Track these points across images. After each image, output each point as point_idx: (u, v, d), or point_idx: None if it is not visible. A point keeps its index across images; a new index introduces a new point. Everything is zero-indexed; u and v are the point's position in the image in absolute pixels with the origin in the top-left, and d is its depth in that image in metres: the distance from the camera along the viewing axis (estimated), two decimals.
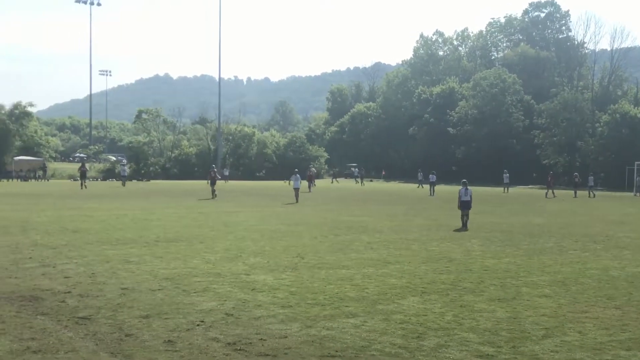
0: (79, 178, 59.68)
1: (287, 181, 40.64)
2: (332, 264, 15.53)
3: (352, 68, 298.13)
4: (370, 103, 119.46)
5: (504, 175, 61.25)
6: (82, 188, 53.05)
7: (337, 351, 8.55)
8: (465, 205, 25.25)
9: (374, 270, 14.87)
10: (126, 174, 66.63)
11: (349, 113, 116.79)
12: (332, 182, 76.51)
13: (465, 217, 25.08)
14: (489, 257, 17.36)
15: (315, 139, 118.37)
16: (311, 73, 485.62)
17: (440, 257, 17.14)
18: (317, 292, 12.16)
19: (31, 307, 10.59)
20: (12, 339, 8.73)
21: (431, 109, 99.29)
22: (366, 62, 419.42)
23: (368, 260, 16.38)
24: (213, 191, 42.60)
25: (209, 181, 44.19)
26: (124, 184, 60.33)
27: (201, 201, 38.25)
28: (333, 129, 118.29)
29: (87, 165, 67.50)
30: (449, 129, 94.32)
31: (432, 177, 54.10)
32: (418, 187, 67.68)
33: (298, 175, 41.14)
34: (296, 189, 40.03)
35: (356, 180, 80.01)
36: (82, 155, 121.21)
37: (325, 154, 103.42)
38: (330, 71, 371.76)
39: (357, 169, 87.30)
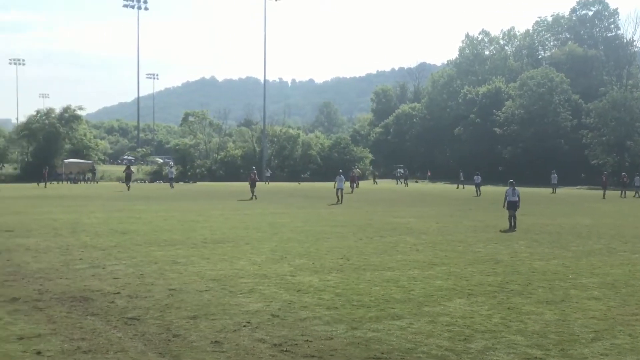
0: (124, 180, 61.07)
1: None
2: (378, 266, 15.50)
3: (396, 69, 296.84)
4: (415, 104, 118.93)
5: (552, 175, 60.40)
6: (127, 190, 54.30)
7: (382, 353, 8.53)
8: (512, 206, 25.01)
9: (419, 272, 14.80)
10: (173, 176, 67.55)
11: (393, 114, 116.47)
12: (374, 183, 76.11)
13: (512, 217, 24.81)
14: (536, 259, 17.14)
15: (360, 140, 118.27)
16: (356, 74, 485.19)
17: (487, 259, 16.98)
18: (363, 294, 12.15)
19: (81, 308, 10.79)
20: (63, 339, 8.91)
21: (477, 109, 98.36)
22: (411, 62, 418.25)
23: (414, 261, 16.30)
24: (253, 192, 43.17)
25: (249, 183, 44.87)
26: (172, 186, 61.13)
27: (245, 203, 38.49)
28: (378, 129, 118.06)
29: (132, 168, 68.75)
30: (495, 129, 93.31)
31: (477, 178, 53.69)
32: (457, 187, 67.15)
33: (342, 177, 41.30)
34: (339, 190, 40.17)
35: (397, 182, 79.37)
36: (130, 157, 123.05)
37: (370, 155, 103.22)
38: (375, 72, 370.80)
39: (401, 170, 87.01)
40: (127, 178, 59.44)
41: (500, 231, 23.81)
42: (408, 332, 9.55)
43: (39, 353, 8.26)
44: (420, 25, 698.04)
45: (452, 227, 25.32)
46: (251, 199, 41.64)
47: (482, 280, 13.80)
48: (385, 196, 49.28)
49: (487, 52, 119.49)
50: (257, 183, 44.92)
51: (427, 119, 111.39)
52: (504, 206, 25.47)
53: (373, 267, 15.26)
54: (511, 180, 27.01)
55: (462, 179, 68.99)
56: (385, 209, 34.84)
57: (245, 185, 50.56)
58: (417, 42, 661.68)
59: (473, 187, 53.84)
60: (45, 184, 63.43)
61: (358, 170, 72.47)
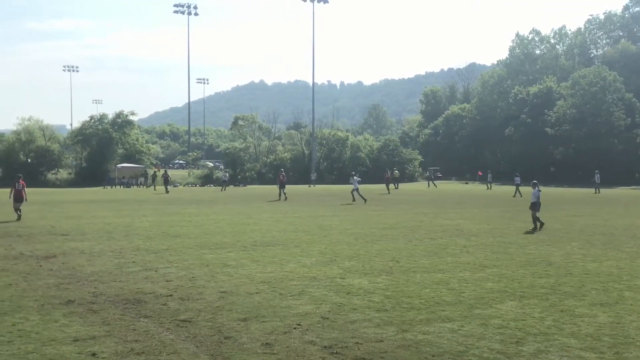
0: (163, 184, 62.78)
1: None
2: (428, 268, 15.41)
3: (446, 69, 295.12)
4: (465, 104, 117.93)
5: (596, 175, 59.38)
6: (166, 192, 55.95)
7: (433, 356, 8.47)
8: (532, 207, 25.09)
9: (470, 274, 14.67)
10: (227, 179, 68.45)
11: (443, 115, 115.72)
12: (428, 186, 75.29)
13: (533, 218, 24.79)
14: (590, 261, 16.83)
15: (409, 141, 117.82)
16: (404, 76, 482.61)
17: (539, 261, 16.74)
18: (413, 296, 12.10)
19: (135, 310, 10.96)
20: (117, 341, 9.07)
21: (528, 109, 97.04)
22: (460, 63, 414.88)
23: (464, 263, 16.16)
24: (283, 194, 45.02)
25: (279, 184, 46.73)
26: (224, 189, 61.90)
27: (292, 206, 38.61)
28: (427, 131, 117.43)
29: (169, 172, 70.93)
30: (547, 129, 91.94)
31: (517, 179, 53.35)
32: (487, 188, 66.23)
33: (356, 178, 44.18)
34: (355, 190, 42.10)
35: (428, 184, 78.25)
36: (180, 161, 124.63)
37: (419, 157, 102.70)
38: (424, 73, 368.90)
39: (435, 172, 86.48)
40: (166, 182, 61.77)
41: (525, 233, 23.49)
42: (459, 335, 9.47)
43: (93, 355, 8.41)
44: (470, 25, 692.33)
45: (503, 228, 25.02)
46: (279, 199, 43.58)
47: (534, 283, 13.61)
48: (435, 198, 48.93)
49: (537, 52, 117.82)
50: (301, 186, 45.90)
51: (477, 120, 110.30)
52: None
53: (423, 270, 15.18)
54: (534, 181, 26.79)
55: (490, 179, 68.61)
56: (434, 210, 34.61)
57: (293, 188, 50.82)
58: (467, 42, 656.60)
59: (503, 187, 53.56)
60: None
61: (397, 172, 72.05)
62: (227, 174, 73.77)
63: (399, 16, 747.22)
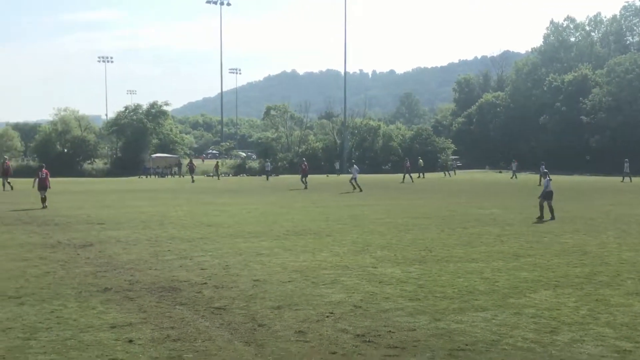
0: (188, 173, 63.51)
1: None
2: (461, 257, 15.37)
3: (479, 57, 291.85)
4: (499, 92, 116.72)
5: (625, 164, 58.44)
6: (192, 182, 56.50)
7: (466, 345, 8.48)
8: (544, 196, 24.73)
9: (504, 263, 14.60)
10: (270, 169, 68.84)
11: (476, 103, 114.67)
12: (444, 176, 74.04)
13: (540, 206, 24.51)
14: (625, 250, 16.65)
15: (442, 130, 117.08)
16: (437, 64, 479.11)
17: (573, 250, 16.60)
18: (446, 286, 12.09)
19: (170, 298, 11.12)
20: (154, 328, 9.21)
21: (563, 97, 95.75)
22: (494, 50, 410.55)
23: (498, 253, 16.09)
24: (305, 183, 46.14)
25: (301, 173, 47.87)
26: (267, 179, 62.30)
27: (323, 195, 38.65)
28: (460, 119, 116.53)
29: (195, 162, 71.78)
30: (582, 117, 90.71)
31: (542, 168, 52.99)
32: (512, 177, 65.26)
33: (355, 167, 45.47)
34: (353, 179, 43.13)
35: (445, 174, 76.88)
36: (213, 151, 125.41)
37: (452, 146, 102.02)
38: (457, 61, 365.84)
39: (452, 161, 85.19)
40: (191, 171, 62.42)
41: (534, 221, 23.27)
42: (492, 324, 9.45)
43: (130, 341, 8.56)
44: (504, 12, 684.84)
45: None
46: (305, 188, 44.46)
47: (568, 272, 13.51)
48: (468, 188, 48.66)
49: (572, 39, 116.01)
50: (330, 175, 46.18)
51: (511, 108, 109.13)
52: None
53: (456, 259, 15.15)
54: (545, 170, 26.61)
55: (515, 168, 67.68)
56: (468, 200, 34.44)
57: (323, 178, 50.94)
58: (501, 29, 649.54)
59: (528, 176, 53.03)
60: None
61: (421, 161, 71.55)
62: (270, 164, 74.10)
63: (433, 3, 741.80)
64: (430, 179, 63.24)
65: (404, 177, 57.98)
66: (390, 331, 9.08)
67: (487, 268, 13.94)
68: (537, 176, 50.69)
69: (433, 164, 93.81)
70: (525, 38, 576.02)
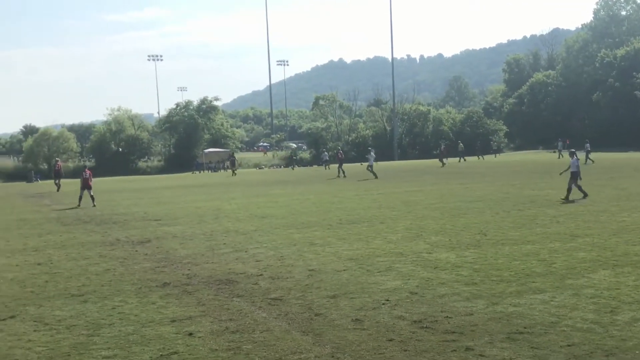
0: (229, 166, 64.03)
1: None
2: (517, 240, 15.21)
3: (528, 36, 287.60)
4: (550, 71, 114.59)
5: None
6: (233, 175, 57.06)
7: (525, 327, 8.41)
8: (571, 176, 24.12)
9: (560, 244, 14.40)
10: (328, 159, 68.88)
11: (527, 83, 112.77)
12: (459, 161, 67.95)
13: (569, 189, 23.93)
14: None
15: (493, 112, 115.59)
16: (485, 45, 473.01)
17: (632, 228, 16.27)
18: (502, 269, 11.99)
19: (227, 290, 11.27)
20: (212, 320, 9.36)
21: (616, 73, 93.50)
22: (543, 28, 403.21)
23: (554, 234, 15.87)
24: (341, 171, 46.64)
25: (338, 162, 48.51)
26: (327, 167, 62.52)
27: (374, 183, 38.56)
28: (511, 100, 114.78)
29: (235, 155, 72.19)
30: (637, 92, 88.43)
31: (587, 146, 52.73)
32: (559, 157, 63.34)
33: (372, 154, 45.83)
34: (370, 166, 43.83)
35: (460, 159, 73.79)
36: (264, 144, 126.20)
37: (504, 127, 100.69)
38: (506, 41, 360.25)
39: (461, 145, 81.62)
40: (232, 164, 62.98)
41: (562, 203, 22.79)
42: (551, 306, 9.35)
43: (190, 334, 8.72)
44: None
45: (594, 196, 24.33)
46: (339, 177, 45.30)
47: (627, 250, 13.26)
48: (520, 169, 47.97)
49: (623, 13, 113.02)
50: (381, 163, 46.25)
51: (562, 87, 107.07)
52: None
53: (512, 241, 14.99)
54: (572, 150, 25.99)
55: (561, 148, 65.91)
56: (522, 181, 33.98)
57: (376, 165, 50.69)
58: (549, 7, 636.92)
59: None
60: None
61: (462, 145, 70.42)
62: (327, 154, 74.02)
63: None
64: (477, 163, 62.56)
65: (441, 160, 57.96)
66: (447, 316, 9.06)
67: (544, 249, 13.77)
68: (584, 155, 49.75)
69: (486, 147, 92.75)
70: (574, 14, 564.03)
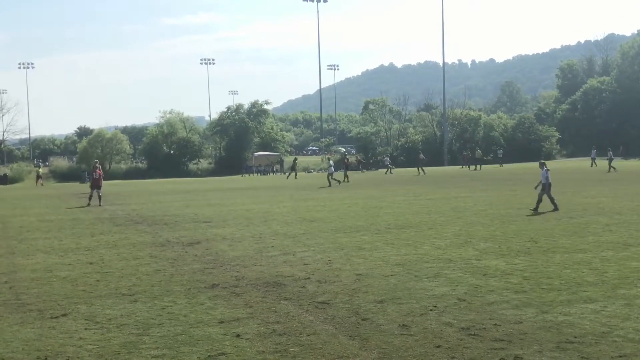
0: (290, 170, 64.38)
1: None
2: (568, 248, 14.96)
3: (582, 42, 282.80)
4: (604, 77, 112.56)
5: None
6: (294, 178, 57.89)
7: (575, 337, 8.27)
8: (541, 187, 23.55)
9: (613, 253, 14.12)
10: (389, 163, 68.70)
11: (580, 89, 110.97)
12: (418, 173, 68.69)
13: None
14: None
15: (545, 118, 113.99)
16: (538, 50, 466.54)
17: None
18: (553, 277, 11.81)
19: (275, 293, 11.33)
20: (260, 322, 9.42)
21: None
22: (598, 34, 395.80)
23: (607, 242, 15.57)
24: (346, 176, 48.77)
25: (344, 169, 50.84)
26: (390, 172, 62.35)
27: (421, 187, 38.32)
28: (564, 107, 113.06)
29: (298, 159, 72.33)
30: None
31: (610, 154, 54.20)
32: (591, 166, 61.65)
33: (330, 162, 48.74)
34: (330, 174, 45.74)
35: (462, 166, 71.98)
36: (314, 148, 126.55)
37: (557, 134, 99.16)
38: (559, 47, 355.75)
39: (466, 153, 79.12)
40: (292, 168, 63.32)
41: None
42: (602, 316, 9.18)
43: (238, 336, 8.78)
44: None
45: None
46: (343, 181, 46.83)
47: None
48: (572, 176, 47.19)
49: None
50: (432, 168, 46.26)
51: (617, 93, 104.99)
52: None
53: (563, 250, 14.76)
54: (542, 161, 25.32)
55: (594, 156, 64.18)
56: (574, 189, 33.43)
57: (429, 170, 50.48)
58: (604, 12, 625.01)
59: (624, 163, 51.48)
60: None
61: (479, 151, 69.42)
62: (389, 158, 73.87)
63: None
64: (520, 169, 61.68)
65: (468, 166, 57.75)
66: (495, 324, 8.96)
67: (596, 258, 13.53)
68: (624, 162, 48.87)
69: (537, 153, 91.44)
70: (630, 20, 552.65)
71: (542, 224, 19.32)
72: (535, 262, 13.35)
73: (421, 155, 64.67)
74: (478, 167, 64.60)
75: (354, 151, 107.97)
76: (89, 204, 31.44)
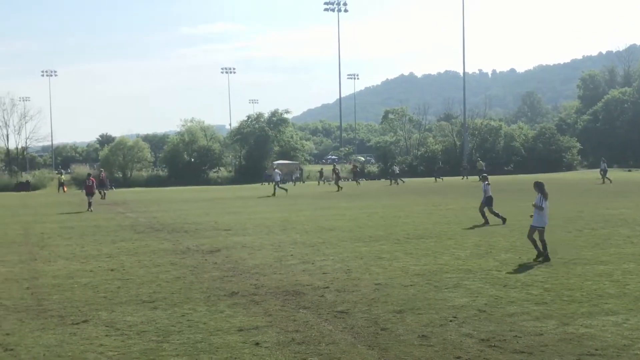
0: (330, 179, 64.29)
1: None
2: (589, 260, 14.85)
3: (604, 52, 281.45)
4: (626, 88, 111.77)
5: None
6: (338, 190, 56.51)
7: (596, 350, 8.21)
8: (484, 202, 23.25)
9: (635, 265, 14.00)
10: (397, 172, 68.47)
11: (602, 100, 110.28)
12: (435, 181, 65.10)
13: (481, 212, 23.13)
14: None
15: (566, 129, 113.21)
16: (559, 61, 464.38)
17: None
18: (574, 289, 11.72)
19: (294, 301, 11.35)
20: (279, 331, 9.44)
21: None
22: (620, 45, 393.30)
23: (629, 255, 15.43)
24: (339, 186, 50.62)
25: (335, 178, 52.44)
26: (397, 183, 62.11)
27: (443, 198, 38.17)
28: (585, 117, 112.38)
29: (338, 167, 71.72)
30: None
31: (604, 165, 53.12)
32: (603, 182, 57.61)
33: (277, 171, 49.35)
34: (276, 182, 46.64)
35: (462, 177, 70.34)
36: (333, 157, 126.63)
37: (578, 144, 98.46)
38: (581, 57, 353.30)
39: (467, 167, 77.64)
40: (337, 177, 63.02)
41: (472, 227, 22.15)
42: (624, 329, 9.10)
43: (257, 344, 8.81)
44: (629, 4, 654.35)
45: None
46: (337, 191, 48.31)
47: None
48: (593, 187, 46.83)
49: None
50: (454, 178, 46.15)
51: (639, 104, 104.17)
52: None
53: (584, 261, 14.65)
54: (484, 174, 25.03)
55: (604, 168, 59.16)
56: (595, 200, 33.16)
57: (447, 180, 50.28)
58: (626, 22, 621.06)
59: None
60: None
61: (481, 162, 68.91)
62: (397, 167, 73.65)
63: None
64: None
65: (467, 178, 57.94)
66: (516, 336, 8.91)
67: (617, 270, 13.41)
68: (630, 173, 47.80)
69: (558, 164, 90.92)
70: None
71: (564, 236, 19.19)
72: (557, 273, 13.26)
73: (437, 166, 65.30)
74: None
75: (373, 160, 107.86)
76: (90, 210, 33.78)
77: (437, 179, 65.24)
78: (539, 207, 15.12)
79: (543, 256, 14.80)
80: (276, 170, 49.59)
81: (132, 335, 9.39)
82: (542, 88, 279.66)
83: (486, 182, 23.72)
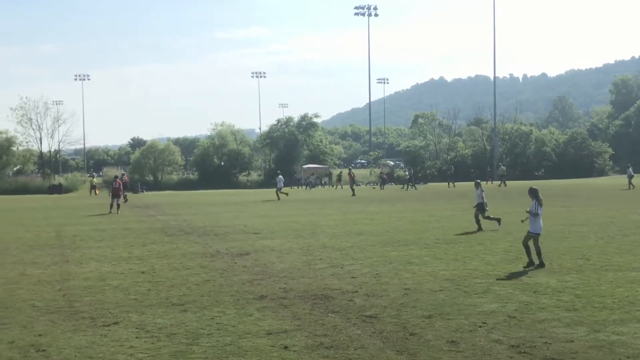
0: (377, 183, 64.32)
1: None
2: (621, 266, 14.68)
3: (637, 57, 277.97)
4: None
5: None
6: (381, 189, 57.73)
7: (628, 357, 8.12)
8: (477, 207, 23.25)
9: None
10: (410, 177, 68.27)
11: (635, 105, 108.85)
12: (448, 187, 63.64)
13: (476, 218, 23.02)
14: None
15: (598, 134, 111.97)
16: (592, 65, 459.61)
17: None
18: (605, 295, 11.60)
19: (323, 305, 11.37)
20: (307, 335, 9.46)
21: None
22: None
23: None
24: (353, 190, 50.77)
25: (350, 182, 53.35)
26: (407, 188, 61.94)
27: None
28: (617, 122, 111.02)
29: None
30: None
31: (630, 171, 52.02)
32: (629, 187, 51.51)
33: (280, 177, 49.54)
34: (278, 189, 47.20)
35: (448, 184, 69.03)
36: (362, 161, 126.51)
37: (610, 150, 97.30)
38: (613, 62, 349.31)
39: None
40: (383, 182, 63.25)
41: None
42: None
43: (285, 348, 8.84)
44: None
45: None
46: (352, 195, 48.36)
47: None
48: (626, 193, 46.23)
49: None
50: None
51: None
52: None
53: (616, 268, 14.49)
54: (477, 181, 25.05)
55: (631, 174, 53.82)
56: (627, 206, 32.74)
57: (470, 185, 49.91)
58: None
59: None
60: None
61: (503, 167, 68.23)
62: (408, 172, 73.38)
63: (585, 1, 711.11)
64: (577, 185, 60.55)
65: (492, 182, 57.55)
66: (546, 342, 8.85)
67: None
68: None
69: (589, 169, 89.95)
70: None
71: (595, 242, 18.99)
72: (588, 279, 13.13)
73: (450, 171, 65.74)
74: (503, 183, 62.02)
75: (402, 165, 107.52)
76: (110, 212, 34.14)
77: (450, 184, 64.52)
78: (534, 214, 14.94)
79: (536, 264, 14.64)
80: (280, 177, 50.05)
81: (161, 338, 9.48)
82: (574, 93, 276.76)
83: (480, 189, 23.81)
